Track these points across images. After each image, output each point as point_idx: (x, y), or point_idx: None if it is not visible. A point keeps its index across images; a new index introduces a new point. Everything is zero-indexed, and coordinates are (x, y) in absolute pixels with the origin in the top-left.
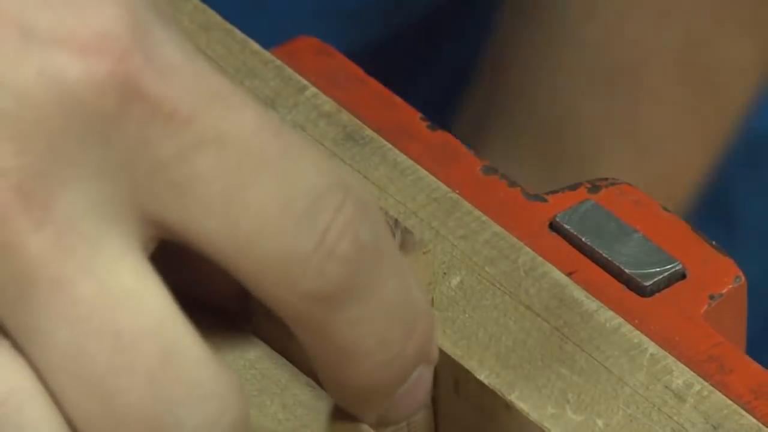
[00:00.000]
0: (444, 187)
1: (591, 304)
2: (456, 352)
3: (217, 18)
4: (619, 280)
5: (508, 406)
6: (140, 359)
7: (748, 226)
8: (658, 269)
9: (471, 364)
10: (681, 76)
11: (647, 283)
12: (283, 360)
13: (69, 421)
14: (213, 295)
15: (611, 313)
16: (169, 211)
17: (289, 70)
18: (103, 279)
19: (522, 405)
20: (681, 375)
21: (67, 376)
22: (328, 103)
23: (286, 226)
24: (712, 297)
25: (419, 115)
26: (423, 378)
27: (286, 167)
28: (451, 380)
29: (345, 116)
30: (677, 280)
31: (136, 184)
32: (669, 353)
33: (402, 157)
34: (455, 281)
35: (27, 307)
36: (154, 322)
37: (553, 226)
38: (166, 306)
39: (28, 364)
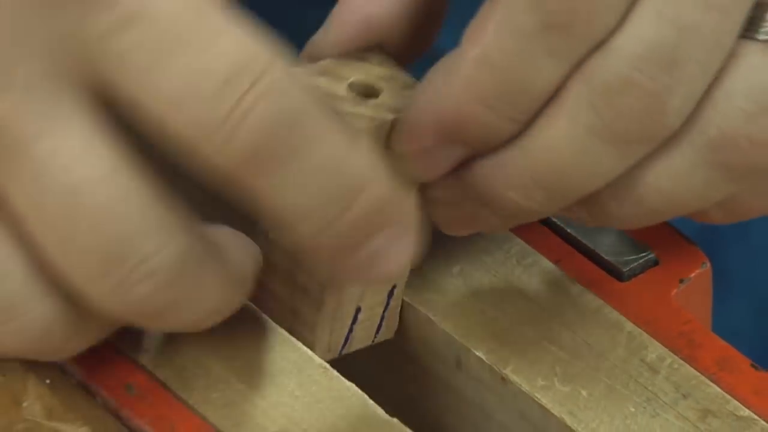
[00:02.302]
0: None
1: (575, 288)
2: (458, 332)
3: None
4: (599, 267)
5: (504, 379)
6: (90, 205)
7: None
8: (634, 257)
9: (471, 343)
10: None
11: (624, 270)
12: (300, 344)
13: (40, 262)
14: None
15: (593, 296)
16: (108, 78)
17: None
18: (57, 138)
19: (515, 378)
20: (655, 350)
21: (33, 225)
22: None
23: (203, 96)
24: (681, 281)
25: None
26: (392, 246)
27: (204, 44)
28: (453, 357)
29: None
30: (651, 266)
31: (79, 55)
32: (644, 331)
33: None
34: (456, 269)
35: None
36: (102, 171)
37: (542, 219)
38: (115, 157)
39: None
